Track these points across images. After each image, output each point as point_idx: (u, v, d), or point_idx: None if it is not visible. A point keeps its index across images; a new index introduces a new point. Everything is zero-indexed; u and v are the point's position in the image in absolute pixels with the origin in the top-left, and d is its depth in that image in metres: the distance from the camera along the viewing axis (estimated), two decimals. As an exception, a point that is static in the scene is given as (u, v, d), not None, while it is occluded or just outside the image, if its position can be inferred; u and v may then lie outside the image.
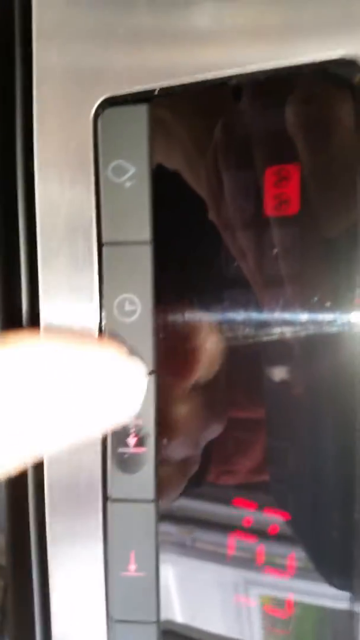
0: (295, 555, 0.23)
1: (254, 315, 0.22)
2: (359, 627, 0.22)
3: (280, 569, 0.23)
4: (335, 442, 0.22)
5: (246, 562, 0.23)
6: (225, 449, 0.24)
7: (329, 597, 0.23)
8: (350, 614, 0.22)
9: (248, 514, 0.23)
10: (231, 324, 0.22)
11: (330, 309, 0.21)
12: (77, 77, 0.22)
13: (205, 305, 0.23)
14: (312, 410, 0.22)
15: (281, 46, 0.20)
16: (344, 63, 0.19)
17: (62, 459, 0.24)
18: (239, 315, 0.22)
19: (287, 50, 0.20)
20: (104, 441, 0.24)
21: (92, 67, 0.22)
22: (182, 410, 0.24)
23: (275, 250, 0.21)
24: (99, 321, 0.23)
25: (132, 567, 0.24)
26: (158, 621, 0.25)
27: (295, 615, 0.23)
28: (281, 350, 0.22)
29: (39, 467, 0.25)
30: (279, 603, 0.24)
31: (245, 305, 0.22)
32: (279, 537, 0.23)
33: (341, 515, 0.21)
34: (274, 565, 0.23)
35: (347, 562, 0.22)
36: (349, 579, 0.22)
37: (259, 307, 0.22)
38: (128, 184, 0.22)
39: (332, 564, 0.22)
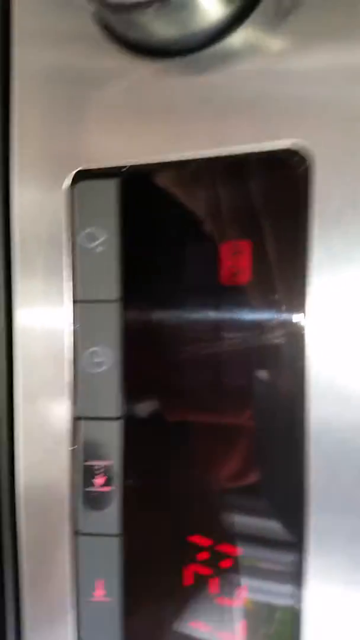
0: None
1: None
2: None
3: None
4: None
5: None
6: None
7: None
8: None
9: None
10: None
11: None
12: (53, 151, 0.25)
13: (170, 359, 0.25)
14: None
15: (237, 132, 0.22)
16: (290, 153, 0.22)
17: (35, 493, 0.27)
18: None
19: (241, 136, 0.22)
20: (73, 480, 0.26)
21: (67, 144, 0.24)
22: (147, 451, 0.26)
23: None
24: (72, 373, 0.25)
25: (100, 593, 0.26)
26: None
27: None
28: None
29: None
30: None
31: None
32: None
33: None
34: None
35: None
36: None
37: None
38: (99, 249, 0.24)
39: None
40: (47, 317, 0.26)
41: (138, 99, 0.24)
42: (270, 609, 0.25)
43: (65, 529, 0.27)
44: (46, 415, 0.26)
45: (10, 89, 0.25)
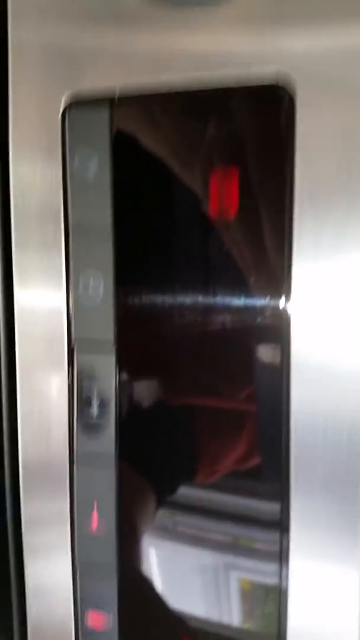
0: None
1: (203, 300, 0.24)
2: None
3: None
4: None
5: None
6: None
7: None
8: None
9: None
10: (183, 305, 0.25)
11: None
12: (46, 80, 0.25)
13: (163, 286, 0.25)
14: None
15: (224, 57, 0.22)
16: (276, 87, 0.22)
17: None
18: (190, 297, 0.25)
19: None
20: (71, 409, 0.26)
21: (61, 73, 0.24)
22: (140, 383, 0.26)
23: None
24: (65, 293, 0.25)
25: (96, 523, 0.27)
26: (120, 580, 0.27)
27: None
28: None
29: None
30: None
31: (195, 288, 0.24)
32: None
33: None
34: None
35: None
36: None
37: (207, 291, 0.24)
38: (92, 174, 0.24)
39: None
40: (44, 294, 0.26)
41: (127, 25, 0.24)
42: (257, 586, 0.25)
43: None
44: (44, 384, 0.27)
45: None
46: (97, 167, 0.24)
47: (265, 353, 0.24)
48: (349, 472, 0.23)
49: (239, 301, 0.23)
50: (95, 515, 0.27)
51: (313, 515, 0.24)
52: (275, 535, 0.24)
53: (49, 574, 0.28)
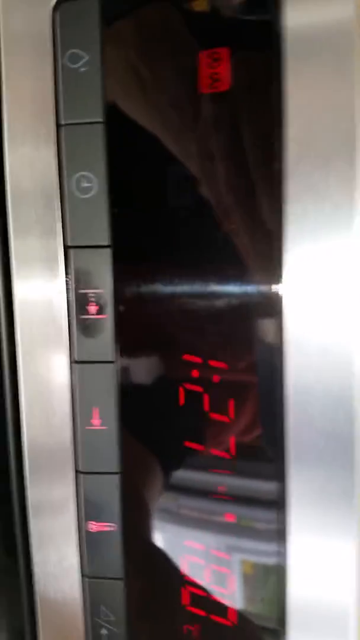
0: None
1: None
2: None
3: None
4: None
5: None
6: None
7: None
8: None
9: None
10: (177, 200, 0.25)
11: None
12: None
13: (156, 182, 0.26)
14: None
15: None
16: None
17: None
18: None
19: None
20: (69, 309, 0.27)
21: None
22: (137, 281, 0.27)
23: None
24: (59, 196, 0.26)
25: (96, 421, 0.27)
26: (121, 472, 0.28)
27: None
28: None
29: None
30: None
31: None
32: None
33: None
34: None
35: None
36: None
37: (199, 187, 0.25)
38: (82, 70, 0.25)
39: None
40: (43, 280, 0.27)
41: None
42: (255, 565, 0.26)
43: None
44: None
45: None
46: (88, 61, 0.25)
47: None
48: (344, 448, 0.24)
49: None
50: (96, 412, 0.27)
51: (310, 491, 0.24)
52: (272, 514, 0.25)
53: (57, 560, 0.29)
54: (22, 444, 0.28)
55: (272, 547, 0.26)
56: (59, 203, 0.26)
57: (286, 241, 0.23)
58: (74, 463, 0.28)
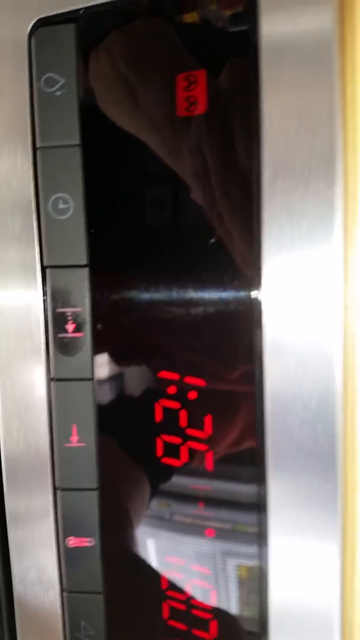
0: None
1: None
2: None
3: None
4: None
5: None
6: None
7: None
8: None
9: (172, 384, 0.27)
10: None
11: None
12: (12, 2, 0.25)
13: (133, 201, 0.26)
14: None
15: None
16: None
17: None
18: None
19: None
20: (46, 327, 0.27)
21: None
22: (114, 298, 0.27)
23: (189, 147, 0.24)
24: (36, 220, 0.26)
25: (74, 438, 0.28)
26: (99, 488, 0.28)
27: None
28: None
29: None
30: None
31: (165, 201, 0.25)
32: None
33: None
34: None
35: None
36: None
37: (176, 206, 0.25)
38: (58, 93, 0.25)
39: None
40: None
41: None
42: (239, 567, 0.27)
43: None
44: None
45: None
46: (64, 85, 0.25)
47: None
48: (324, 451, 0.24)
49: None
50: (74, 429, 0.27)
51: (291, 495, 0.24)
52: (253, 517, 0.25)
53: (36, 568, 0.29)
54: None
55: (254, 560, 0.26)
56: (37, 223, 0.26)
57: (264, 261, 0.24)
58: (52, 478, 0.28)
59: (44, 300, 0.27)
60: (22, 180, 0.26)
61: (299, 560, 0.25)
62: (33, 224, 0.27)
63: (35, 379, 0.28)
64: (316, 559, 0.24)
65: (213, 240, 0.25)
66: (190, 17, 0.24)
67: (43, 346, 0.27)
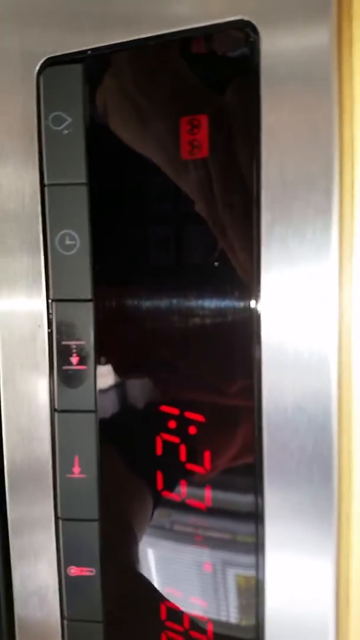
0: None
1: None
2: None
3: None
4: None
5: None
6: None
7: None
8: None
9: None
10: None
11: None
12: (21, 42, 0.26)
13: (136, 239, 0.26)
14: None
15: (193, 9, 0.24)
16: (240, 24, 0.23)
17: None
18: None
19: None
20: (50, 359, 0.27)
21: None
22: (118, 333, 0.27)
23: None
24: (43, 255, 0.27)
25: (76, 469, 0.28)
26: (100, 519, 0.28)
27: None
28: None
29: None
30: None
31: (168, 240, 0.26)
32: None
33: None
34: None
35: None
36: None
37: (180, 246, 0.26)
38: (65, 132, 0.25)
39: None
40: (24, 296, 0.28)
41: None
42: (235, 578, 0.27)
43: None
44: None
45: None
46: (71, 124, 0.25)
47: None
48: (319, 462, 0.24)
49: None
50: (76, 460, 0.28)
51: (287, 508, 0.25)
52: (250, 528, 0.26)
53: (37, 577, 0.29)
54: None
55: (248, 560, 0.26)
56: (44, 258, 0.27)
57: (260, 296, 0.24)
58: (54, 508, 0.28)
59: (50, 333, 0.27)
60: (30, 217, 0.27)
61: (294, 572, 0.25)
62: (41, 258, 0.27)
63: (39, 409, 0.28)
64: (311, 572, 0.25)
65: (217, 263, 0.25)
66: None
67: (47, 378, 0.28)
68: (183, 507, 0.27)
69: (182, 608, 0.28)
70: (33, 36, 0.26)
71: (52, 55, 0.25)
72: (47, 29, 0.26)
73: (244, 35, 0.23)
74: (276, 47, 0.23)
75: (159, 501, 0.28)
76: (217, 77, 0.24)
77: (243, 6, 0.23)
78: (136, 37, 0.24)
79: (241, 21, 0.23)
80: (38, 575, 0.29)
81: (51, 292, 0.27)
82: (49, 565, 0.29)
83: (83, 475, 0.28)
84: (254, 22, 0.23)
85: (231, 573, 0.27)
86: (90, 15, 0.25)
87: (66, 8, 0.25)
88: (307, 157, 0.23)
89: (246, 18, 0.23)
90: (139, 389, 0.28)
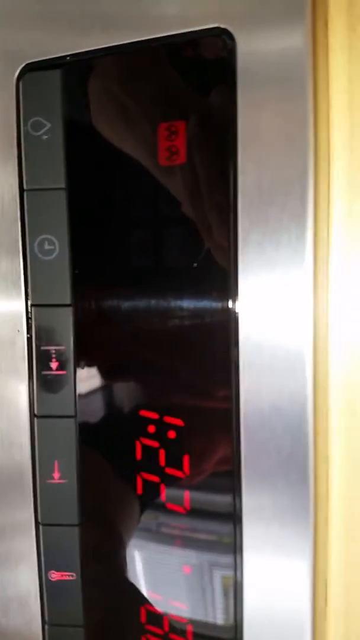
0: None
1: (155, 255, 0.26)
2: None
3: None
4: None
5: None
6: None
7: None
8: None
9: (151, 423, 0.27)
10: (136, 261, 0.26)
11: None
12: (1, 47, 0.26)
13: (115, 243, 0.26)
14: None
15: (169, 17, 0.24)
16: (217, 32, 0.23)
17: None
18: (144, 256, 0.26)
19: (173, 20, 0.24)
20: (30, 365, 0.27)
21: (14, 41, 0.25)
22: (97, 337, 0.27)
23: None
24: (22, 259, 0.27)
25: (56, 474, 0.28)
26: (80, 524, 0.28)
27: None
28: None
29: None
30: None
31: (147, 246, 0.26)
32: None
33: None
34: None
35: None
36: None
37: (159, 250, 0.26)
38: (45, 137, 0.25)
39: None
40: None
41: None
42: (213, 579, 0.27)
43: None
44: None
45: None
46: (50, 129, 0.25)
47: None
48: (296, 463, 0.24)
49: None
50: (56, 466, 0.28)
51: (265, 509, 0.25)
52: (229, 529, 0.26)
53: (18, 582, 0.29)
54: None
55: (226, 560, 0.26)
56: (23, 263, 0.27)
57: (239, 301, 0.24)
58: (34, 513, 0.28)
59: (29, 338, 0.27)
60: (9, 221, 0.27)
61: (271, 573, 0.25)
62: (20, 263, 0.27)
63: (19, 415, 0.28)
64: (288, 574, 0.25)
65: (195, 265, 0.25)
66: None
67: (27, 383, 0.28)
68: (163, 510, 0.27)
69: (162, 610, 0.28)
70: (12, 41, 0.26)
71: (31, 61, 0.25)
72: (27, 34, 0.26)
73: (221, 42, 0.23)
74: (253, 54, 0.23)
75: (139, 505, 0.28)
76: (194, 83, 0.24)
77: (221, 13, 0.23)
78: (115, 43, 0.24)
79: (218, 29, 0.23)
80: (19, 581, 0.29)
81: (30, 297, 0.27)
82: (30, 570, 0.29)
83: (63, 481, 0.28)
84: (230, 29, 0.23)
85: (210, 574, 0.27)
86: (70, 19, 0.25)
87: (46, 13, 0.25)
88: (283, 163, 0.23)
89: (222, 25, 0.23)
90: (119, 394, 0.28)
